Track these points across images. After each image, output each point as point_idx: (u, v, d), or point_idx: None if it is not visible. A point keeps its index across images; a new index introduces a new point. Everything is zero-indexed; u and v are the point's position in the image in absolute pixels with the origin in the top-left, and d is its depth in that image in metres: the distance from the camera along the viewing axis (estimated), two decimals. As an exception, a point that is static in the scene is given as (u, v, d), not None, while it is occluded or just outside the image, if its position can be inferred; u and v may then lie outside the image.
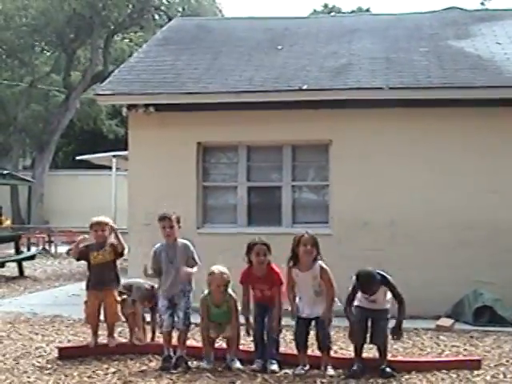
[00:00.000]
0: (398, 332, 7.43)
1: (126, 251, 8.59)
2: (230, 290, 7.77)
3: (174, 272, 7.87)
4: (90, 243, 8.60)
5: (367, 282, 7.33)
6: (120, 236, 8.53)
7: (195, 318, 7.95)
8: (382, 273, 7.43)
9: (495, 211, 10.97)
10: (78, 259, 8.74)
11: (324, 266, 7.46)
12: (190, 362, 7.75)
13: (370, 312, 7.45)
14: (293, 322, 7.68)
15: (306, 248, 7.41)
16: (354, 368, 7.35)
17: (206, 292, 7.80)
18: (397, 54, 12.68)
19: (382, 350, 7.48)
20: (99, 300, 8.47)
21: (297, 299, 7.61)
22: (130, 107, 11.89)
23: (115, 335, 8.75)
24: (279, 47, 13.56)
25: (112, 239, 8.60)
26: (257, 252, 7.68)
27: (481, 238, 10.95)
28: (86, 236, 8.67)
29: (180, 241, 7.99)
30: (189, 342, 8.04)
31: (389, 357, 7.62)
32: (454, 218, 11.02)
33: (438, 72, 11.66)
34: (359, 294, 7.47)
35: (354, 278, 7.38)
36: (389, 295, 7.51)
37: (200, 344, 8.03)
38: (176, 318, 7.82)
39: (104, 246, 8.49)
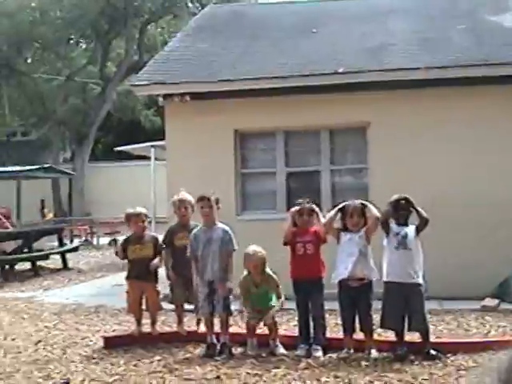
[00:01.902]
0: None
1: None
2: (268, 270, 7.78)
3: (212, 254, 7.85)
4: (128, 236, 8.66)
5: (403, 198, 7.50)
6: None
7: (236, 305, 7.98)
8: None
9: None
10: (123, 258, 8.80)
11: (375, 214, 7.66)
12: (233, 349, 7.79)
13: (404, 288, 7.38)
14: (336, 306, 7.68)
15: (353, 220, 7.54)
16: (398, 352, 7.32)
17: (245, 273, 7.82)
18: (433, 33, 12.51)
19: (425, 334, 7.44)
20: (140, 290, 8.55)
21: (338, 264, 7.65)
22: (166, 96, 11.92)
23: (158, 323, 8.84)
24: (314, 30, 13.47)
25: (152, 233, 8.67)
26: (300, 212, 7.72)
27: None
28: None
29: (219, 225, 7.96)
30: (232, 329, 8.07)
31: (433, 338, 7.58)
32: (495, 196, 10.84)
33: (476, 49, 11.48)
34: (390, 246, 7.50)
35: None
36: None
37: (243, 330, 8.07)
38: (216, 305, 7.84)
39: (142, 239, 8.53)
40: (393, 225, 7.59)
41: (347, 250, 7.55)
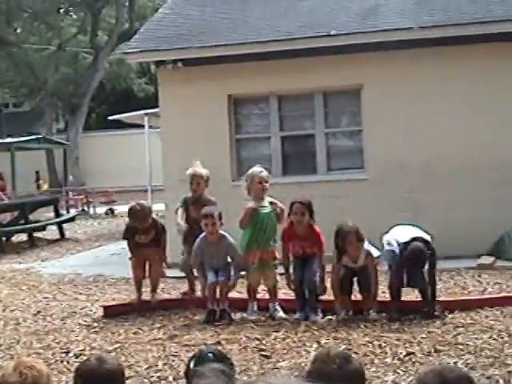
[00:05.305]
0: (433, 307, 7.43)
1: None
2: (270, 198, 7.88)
3: (215, 263, 7.88)
4: (130, 225, 8.61)
5: (418, 258, 7.29)
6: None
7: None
8: (431, 245, 7.39)
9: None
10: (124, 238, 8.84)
11: (370, 251, 7.46)
12: (233, 314, 7.82)
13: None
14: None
15: (352, 245, 7.37)
16: (391, 313, 7.38)
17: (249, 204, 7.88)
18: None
19: (424, 293, 7.49)
20: (143, 256, 8.55)
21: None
22: (159, 64, 11.84)
23: (158, 291, 8.86)
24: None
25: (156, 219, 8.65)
26: (295, 211, 7.69)
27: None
28: None
29: (224, 240, 7.86)
30: (231, 294, 8.10)
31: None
32: (492, 155, 10.82)
33: (470, 7, 11.35)
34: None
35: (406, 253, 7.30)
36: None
37: (242, 295, 8.10)
38: (220, 273, 7.87)
39: (145, 230, 8.49)
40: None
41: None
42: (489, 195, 10.81)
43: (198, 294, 8.47)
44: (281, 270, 8.00)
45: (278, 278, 8.00)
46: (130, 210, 8.46)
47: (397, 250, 7.41)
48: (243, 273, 8.00)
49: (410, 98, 11.09)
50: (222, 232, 7.86)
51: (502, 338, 6.51)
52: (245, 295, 8.12)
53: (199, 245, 7.89)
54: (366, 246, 7.47)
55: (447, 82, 10.99)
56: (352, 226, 7.38)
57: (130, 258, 8.66)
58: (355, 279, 7.60)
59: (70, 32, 37.49)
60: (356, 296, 7.70)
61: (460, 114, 10.94)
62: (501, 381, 5.34)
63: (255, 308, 7.94)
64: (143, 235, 8.48)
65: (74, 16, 40.26)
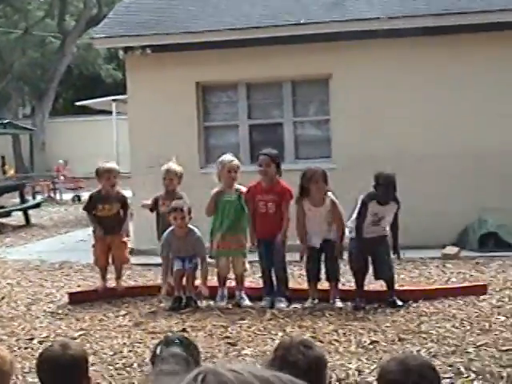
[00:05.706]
0: (398, 251, 7.57)
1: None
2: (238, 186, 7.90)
3: (182, 255, 7.87)
4: (95, 193, 8.55)
5: (390, 183, 7.34)
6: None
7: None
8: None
9: (503, 137, 10.85)
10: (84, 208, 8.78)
11: (334, 199, 7.49)
12: (199, 302, 7.83)
13: (371, 241, 7.47)
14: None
15: (317, 185, 7.38)
16: (357, 302, 7.43)
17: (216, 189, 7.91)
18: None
19: (390, 283, 7.56)
20: (107, 243, 8.50)
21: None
22: (127, 49, 11.76)
23: (123, 278, 8.83)
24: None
25: (120, 190, 8.61)
26: (259, 163, 7.69)
27: (488, 165, 10.86)
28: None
29: (191, 234, 7.82)
30: (198, 282, 8.11)
31: (396, 286, 7.71)
32: (460, 145, 10.91)
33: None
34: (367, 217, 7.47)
35: (373, 182, 7.37)
36: None
37: (210, 283, 8.11)
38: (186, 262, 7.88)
39: (110, 198, 8.44)
40: (373, 204, 7.45)
41: (313, 223, 7.54)
42: (455, 186, 10.91)
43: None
44: (250, 258, 8.05)
45: (247, 266, 8.04)
46: (99, 168, 8.39)
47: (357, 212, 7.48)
48: (213, 261, 8.01)
49: (378, 87, 11.14)
50: (191, 226, 7.85)
51: (464, 326, 6.62)
52: (211, 283, 8.12)
53: (166, 238, 7.86)
54: (331, 195, 7.52)
55: (414, 72, 11.06)
56: (319, 168, 7.44)
57: (93, 245, 8.61)
58: (323, 268, 7.66)
59: (37, 15, 37.03)
60: (322, 285, 7.76)
61: (426, 105, 11.01)
62: (462, 368, 5.42)
63: (225, 293, 7.96)
64: (107, 204, 8.41)
65: (41, -1, 39.77)
